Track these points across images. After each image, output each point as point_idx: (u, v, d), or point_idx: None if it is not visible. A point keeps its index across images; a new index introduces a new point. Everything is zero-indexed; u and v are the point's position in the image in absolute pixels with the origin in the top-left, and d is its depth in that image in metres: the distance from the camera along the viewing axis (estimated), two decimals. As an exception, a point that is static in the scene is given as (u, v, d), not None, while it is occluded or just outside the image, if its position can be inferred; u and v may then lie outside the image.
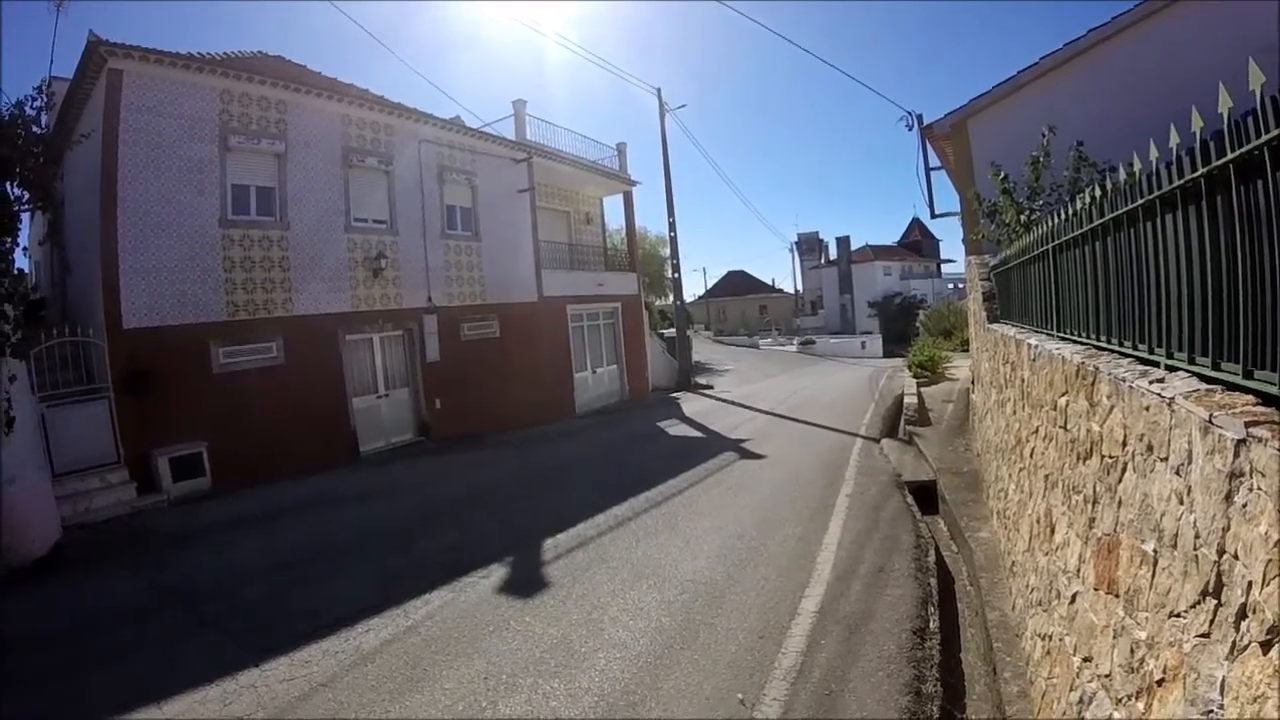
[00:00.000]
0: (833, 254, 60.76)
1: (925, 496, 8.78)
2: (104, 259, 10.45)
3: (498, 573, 6.67)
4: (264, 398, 11.93)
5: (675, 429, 16.16)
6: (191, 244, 11.43)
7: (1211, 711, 1.65)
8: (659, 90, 25.39)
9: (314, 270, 13.23)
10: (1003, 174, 8.43)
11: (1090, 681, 2.76)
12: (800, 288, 66.31)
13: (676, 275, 27.30)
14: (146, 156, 10.92)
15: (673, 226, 25.89)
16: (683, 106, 28.20)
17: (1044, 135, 8.16)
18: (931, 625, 5.13)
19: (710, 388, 24.89)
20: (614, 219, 28.45)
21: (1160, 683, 2.02)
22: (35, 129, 8.15)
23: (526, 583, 6.41)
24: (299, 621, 5.69)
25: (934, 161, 13.59)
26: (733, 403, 20.07)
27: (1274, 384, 1.76)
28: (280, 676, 4.77)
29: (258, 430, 11.68)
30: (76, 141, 9.78)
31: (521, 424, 16.57)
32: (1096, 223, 3.27)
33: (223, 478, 11.05)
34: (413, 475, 11.91)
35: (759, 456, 11.67)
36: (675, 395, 23.13)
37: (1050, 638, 3.57)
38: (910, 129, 14.18)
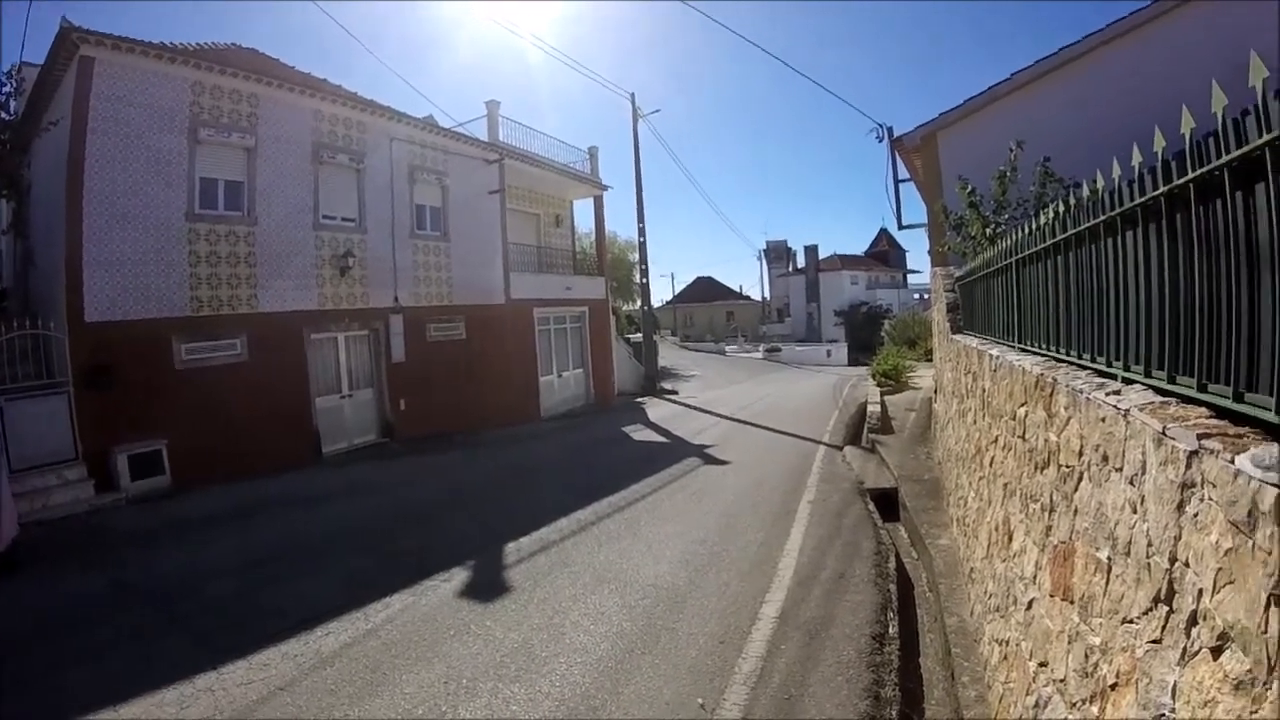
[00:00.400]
0: (801, 262, 61.44)
1: (887, 504, 8.87)
2: (68, 249, 10.20)
3: (459, 576, 6.61)
4: (226, 396, 11.71)
5: (640, 434, 16.16)
6: (157, 237, 11.21)
7: (1163, 715, 1.69)
8: (633, 95, 25.44)
9: (280, 267, 13.03)
10: (970, 187, 8.57)
11: (1046, 686, 2.81)
12: (768, 295, 66.88)
13: (645, 280, 27.35)
14: (115, 146, 10.69)
15: (642, 232, 25.94)
16: (656, 112, 28.36)
17: (1011, 150, 8.31)
18: (891, 631, 5.19)
19: (676, 393, 24.95)
20: (584, 222, 28.45)
21: (1114, 687, 2.06)
22: (4, 115, 7.94)
23: (488, 586, 6.35)
24: (258, 623, 5.58)
25: (903, 174, 13.77)
26: (698, 408, 20.13)
27: (1227, 397, 1.80)
28: (238, 679, 4.67)
29: (219, 429, 11.46)
30: (45, 129, 9.52)
31: (486, 427, 16.45)
32: (1059, 237, 3.34)
33: (182, 476, 10.84)
34: (375, 477, 11.76)
35: (723, 462, 11.71)
36: (641, 400, 23.14)
37: (1007, 643, 3.63)
38: (880, 141, 14.35)
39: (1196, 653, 1.56)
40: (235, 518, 9.12)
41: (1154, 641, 1.80)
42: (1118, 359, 2.67)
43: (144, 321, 10.92)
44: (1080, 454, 2.60)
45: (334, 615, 5.68)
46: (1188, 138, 1.94)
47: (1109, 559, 2.23)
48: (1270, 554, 1.28)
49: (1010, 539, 3.83)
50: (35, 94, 11.24)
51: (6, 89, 7.84)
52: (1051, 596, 2.86)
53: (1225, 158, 1.72)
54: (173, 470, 10.84)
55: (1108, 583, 2.22)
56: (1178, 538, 1.71)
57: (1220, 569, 1.47)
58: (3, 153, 7.87)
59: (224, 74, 12.21)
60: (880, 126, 14.64)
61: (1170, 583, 1.74)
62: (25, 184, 10.19)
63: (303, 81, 14.15)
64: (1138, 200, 2.32)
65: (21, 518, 8.37)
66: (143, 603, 6.21)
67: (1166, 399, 2.11)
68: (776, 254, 65.43)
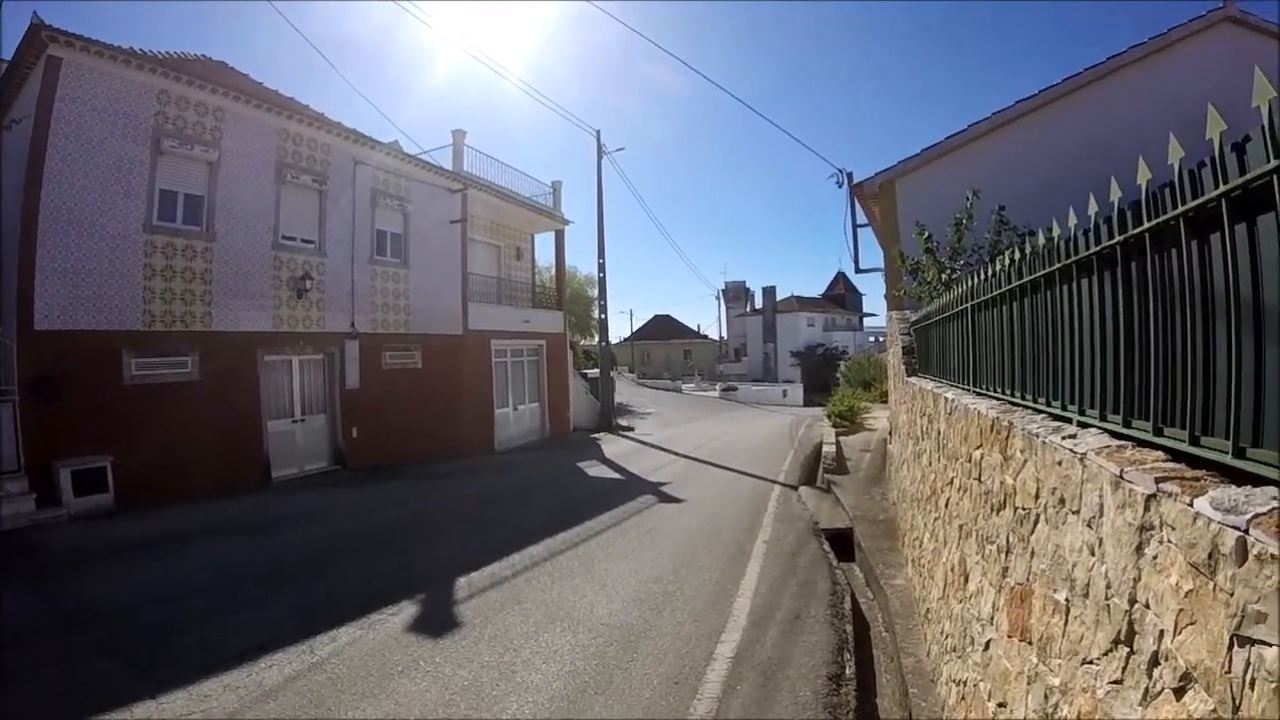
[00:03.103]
0: (758, 303, 62.10)
1: (842, 544, 8.90)
2: (21, 254, 9.88)
3: (408, 610, 6.42)
4: (175, 414, 11.36)
5: (595, 470, 16.03)
6: (113, 247, 10.94)
7: (1125, 758, 1.69)
8: (598, 132, 25.76)
9: (237, 285, 12.78)
10: (927, 234, 8.78)
11: (1003, 729, 2.81)
12: (725, 334, 67.40)
13: (603, 316, 27.41)
14: (76, 150, 10.45)
15: (602, 268, 26.06)
16: (620, 149, 28.41)
17: (968, 198, 8.55)
18: (848, 671, 5.16)
19: (632, 430, 24.86)
20: (544, 255, 28.47)
21: (1073, 729, 2.06)
22: None
23: (437, 621, 6.17)
24: (199, 652, 5.34)
25: (861, 218, 14.04)
26: (654, 446, 20.07)
27: (1183, 440, 1.84)
28: (177, 711, 4.43)
29: (166, 448, 11.09)
30: (6, 127, 9.25)
31: (440, 457, 16.20)
32: (1015, 284, 3.41)
33: (127, 495, 10.43)
34: (325, 505, 11.43)
35: (678, 501, 11.65)
36: (596, 436, 22.99)
37: (965, 683, 3.63)
38: (840, 186, 14.65)
39: (1159, 693, 1.56)
40: (179, 541, 8.79)
41: (1115, 682, 1.81)
42: (1073, 403, 2.71)
43: (95, 333, 10.62)
44: (1037, 496, 2.63)
45: (278, 646, 5.46)
46: (1144, 189, 2.00)
47: (1067, 600, 2.24)
48: (1232, 595, 1.29)
49: (967, 580, 3.85)
50: (-1, 90, 10.96)
51: None
52: (1010, 637, 2.87)
53: (1181, 208, 1.78)
54: (117, 488, 10.43)
55: (1066, 624, 2.23)
56: (1137, 579, 1.73)
57: (1181, 610, 1.49)
58: None
59: (191, 85, 12.07)
60: (840, 172, 14.98)
61: (1130, 624, 1.75)
62: None
63: (270, 98, 14.03)
64: (1094, 248, 2.39)
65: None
66: (78, 626, 5.90)
67: (1122, 443, 2.14)
68: (735, 294, 66.15)
